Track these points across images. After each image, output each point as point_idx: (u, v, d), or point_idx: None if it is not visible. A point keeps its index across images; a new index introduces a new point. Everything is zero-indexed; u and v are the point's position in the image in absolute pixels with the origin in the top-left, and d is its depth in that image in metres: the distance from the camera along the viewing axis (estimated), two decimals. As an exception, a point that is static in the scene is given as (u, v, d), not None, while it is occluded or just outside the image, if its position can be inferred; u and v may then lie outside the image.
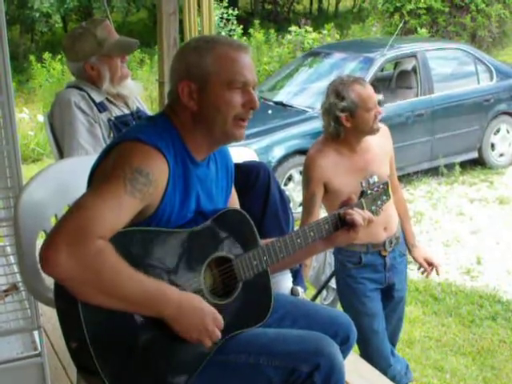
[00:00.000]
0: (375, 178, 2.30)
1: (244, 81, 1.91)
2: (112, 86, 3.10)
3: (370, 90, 3.07)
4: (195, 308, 1.80)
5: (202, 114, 1.91)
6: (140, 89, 3.35)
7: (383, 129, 3.31)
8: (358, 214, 2.13)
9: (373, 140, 3.19)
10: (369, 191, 2.26)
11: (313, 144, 3.29)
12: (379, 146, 3.22)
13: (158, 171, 1.80)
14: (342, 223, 2.14)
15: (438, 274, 3.52)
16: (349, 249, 3.26)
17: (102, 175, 1.81)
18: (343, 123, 3.07)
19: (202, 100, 1.89)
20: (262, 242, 2.10)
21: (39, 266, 1.66)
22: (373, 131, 3.11)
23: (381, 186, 2.31)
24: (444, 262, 6.10)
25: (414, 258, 3.49)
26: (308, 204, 3.19)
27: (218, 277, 1.97)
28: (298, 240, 2.08)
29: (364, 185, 2.26)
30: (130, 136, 1.86)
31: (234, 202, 2.26)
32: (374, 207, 2.27)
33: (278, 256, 2.04)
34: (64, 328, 1.79)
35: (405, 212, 3.50)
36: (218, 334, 1.84)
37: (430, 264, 3.47)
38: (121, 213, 1.72)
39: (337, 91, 3.08)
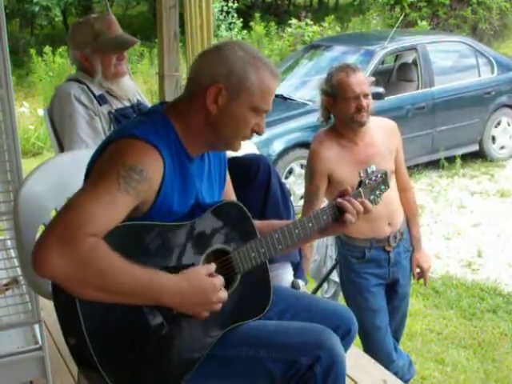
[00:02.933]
0: (373, 168, 2.29)
1: (266, 108, 1.94)
2: (104, 80, 3.10)
3: (354, 80, 3.03)
4: (194, 287, 1.79)
5: (216, 120, 1.90)
6: (135, 89, 3.33)
7: (391, 125, 3.30)
8: (350, 204, 2.11)
9: (377, 135, 3.19)
10: (367, 180, 2.25)
11: (314, 137, 3.28)
12: (384, 143, 3.20)
13: (152, 168, 1.79)
14: (340, 213, 2.13)
15: (424, 283, 3.55)
16: (352, 243, 3.26)
17: (96, 172, 1.81)
18: (327, 107, 3.14)
19: (224, 108, 1.88)
20: (258, 223, 2.11)
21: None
22: (355, 123, 3.08)
23: (379, 176, 2.30)
24: (445, 254, 6.11)
25: (411, 259, 3.46)
26: (311, 197, 3.17)
27: (216, 270, 1.97)
28: (297, 231, 2.07)
29: (362, 174, 2.25)
30: (125, 132, 1.85)
31: (230, 193, 2.26)
32: (372, 197, 2.26)
33: (277, 248, 2.03)
34: (62, 323, 1.78)
35: (413, 214, 3.43)
36: (224, 295, 1.84)
37: (421, 272, 3.46)
38: (115, 210, 1.71)
39: (327, 74, 3.13)
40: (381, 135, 3.20)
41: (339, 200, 2.13)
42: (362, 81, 3.06)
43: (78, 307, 1.68)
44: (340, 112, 3.10)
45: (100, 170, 1.79)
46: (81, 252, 1.62)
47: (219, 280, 1.85)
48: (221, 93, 1.86)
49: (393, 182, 3.22)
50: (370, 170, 2.28)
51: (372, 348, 3.34)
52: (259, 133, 1.97)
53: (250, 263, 1.99)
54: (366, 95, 3.05)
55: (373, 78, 3.19)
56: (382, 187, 2.32)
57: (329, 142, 3.16)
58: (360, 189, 2.23)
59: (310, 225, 2.10)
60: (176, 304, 1.78)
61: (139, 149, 1.79)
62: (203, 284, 1.81)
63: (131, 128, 1.87)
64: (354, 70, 3.08)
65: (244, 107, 1.89)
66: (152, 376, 1.81)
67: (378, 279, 3.30)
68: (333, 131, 3.19)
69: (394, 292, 3.40)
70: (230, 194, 2.26)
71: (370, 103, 3.07)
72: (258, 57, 1.92)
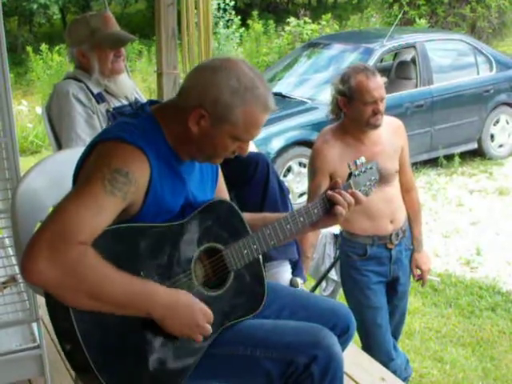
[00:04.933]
0: (362, 159, 2.27)
1: (250, 139, 1.92)
2: (101, 77, 3.09)
3: (373, 83, 3.01)
4: (184, 305, 1.79)
5: (196, 139, 1.88)
6: (133, 87, 3.32)
7: (398, 124, 3.30)
8: (340, 196, 2.10)
9: (383, 135, 3.17)
10: (356, 172, 2.23)
11: (319, 134, 3.28)
12: (389, 142, 3.20)
13: (138, 170, 1.78)
14: (331, 205, 2.12)
15: (422, 285, 3.55)
16: (354, 240, 3.26)
17: (82, 176, 1.80)
18: (340, 106, 3.10)
19: (205, 132, 1.86)
20: (249, 216, 2.12)
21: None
22: (369, 126, 3.07)
23: (369, 167, 2.29)
24: (443, 253, 6.11)
25: (411, 259, 3.46)
26: (313, 195, 3.15)
27: (209, 268, 1.97)
28: (288, 226, 2.07)
29: (351, 166, 2.24)
30: (111, 135, 1.84)
31: (223, 191, 2.25)
32: (363, 188, 2.24)
33: (269, 243, 2.03)
34: (57, 330, 1.76)
35: (416, 214, 3.41)
36: (209, 328, 1.83)
37: (421, 273, 3.45)
38: (102, 214, 1.70)
39: (343, 74, 3.10)
40: (387, 133, 3.19)
41: (329, 192, 2.11)
42: (380, 85, 3.05)
43: (71, 313, 1.67)
44: (355, 114, 3.07)
45: (86, 174, 1.78)
46: (69, 260, 1.61)
47: (210, 313, 1.84)
48: (203, 117, 1.84)
49: (396, 180, 3.23)
50: (358, 162, 2.25)
51: (372, 346, 3.34)
52: (241, 154, 1.95)
53: (242, 260, 1.99)
54: (382, 99, 3.05)
55: (385, 79, 3.15)
56: (373, 178, 2.31)
57: (333, 140, 3.15)
58: (350, 180, 2.21)
59: (302, 219, 2.09)
60: (162, 319, 1.76)
61: (125, 151, 1.78)
62: (192, 304, 1.81)
63: (117, 130, 1.85)
64: (374, 73, 3.06)
65: (224, 135, 1.87)
66: (149, 378, 1.80)
67: (378, 277, 3.30)
68: (340, 129, 3.18)
69: (393, 290, 3.39)
70: (222, 191, 2.25)
71: (384, 106, 3.07)
72: (252, 88, 1.85)
